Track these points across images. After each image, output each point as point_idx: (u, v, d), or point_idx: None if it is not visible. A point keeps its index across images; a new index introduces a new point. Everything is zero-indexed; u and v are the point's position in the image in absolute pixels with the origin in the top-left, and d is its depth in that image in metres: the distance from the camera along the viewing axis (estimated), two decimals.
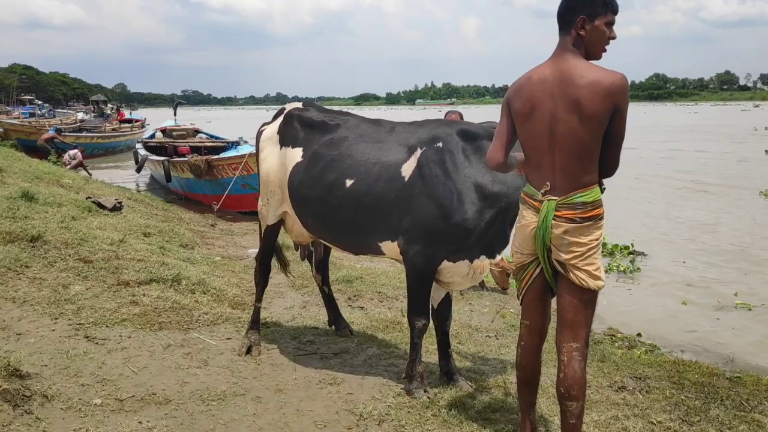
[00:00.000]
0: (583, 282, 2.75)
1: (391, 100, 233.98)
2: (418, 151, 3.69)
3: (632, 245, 9.11)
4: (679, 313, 6.64)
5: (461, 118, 6.26)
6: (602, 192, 2.80)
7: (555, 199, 2.75)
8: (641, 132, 35.05)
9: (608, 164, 2.77)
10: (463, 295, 6.28)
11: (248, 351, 4.33)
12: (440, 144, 3.65)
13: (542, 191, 2.79)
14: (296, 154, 4.12)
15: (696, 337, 5.94)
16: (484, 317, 5.76)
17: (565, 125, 2.69)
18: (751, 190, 14.88)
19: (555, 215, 2.74)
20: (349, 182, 3.80)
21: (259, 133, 4.47)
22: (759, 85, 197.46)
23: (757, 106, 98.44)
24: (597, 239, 2.75)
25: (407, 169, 3.68)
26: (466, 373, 4.15)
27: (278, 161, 4.23)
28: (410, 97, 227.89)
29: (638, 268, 8.26)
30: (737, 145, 28.05)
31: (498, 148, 3.01)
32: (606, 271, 7.90)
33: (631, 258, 8.74)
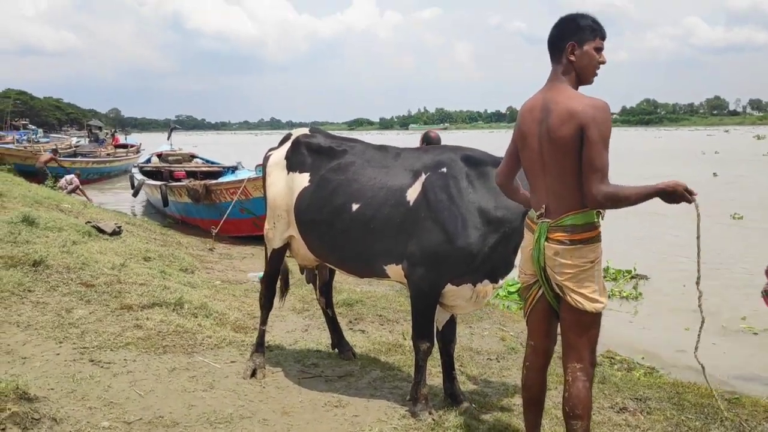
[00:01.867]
0: (579, 304, 2.81)
1: (385, 124, 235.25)
2: (423, 176, 3.78)
3: (634, 269, 9.18)
4: (680, 336, 6.67)
5: (439, 138, 6.37)
6: (600, 216, 2.88)
7: (548, 222, 2.84)
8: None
9: (584, 193, 2.72)
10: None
11: (253, 374, 4.36)
12: (445, 169, 3.74)
13: (538, 213, 2.89)
14: (304, 179, 4.20)
15: (690, 358, 5.97)
16: (485, 340, 5.81)
17: (548, 151, 2.81)
18: (720, 212, 14.93)
19: (547, 237, 2.82)
20: (355, 206, 3.88)
21: (266, 158, 4.55)
22: (748, 110, 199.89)
23: (726, 131, 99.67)
24: (591, 261, 2.79)
25: (412, 194, 3.76)
26: (470, 396, 4.19)
27: (285, 186, 4.31)
28: (403, 122, 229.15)
29: (640, 293, 8.31)
30: (688, 168, 28.25)
31: (499, 170, 3.23)
32: (609, 296, 8.06)
33: (634, 283, 8.80)
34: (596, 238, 2.84)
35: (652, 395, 4.43)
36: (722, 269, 9.62)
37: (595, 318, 2.88)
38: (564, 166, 2.79)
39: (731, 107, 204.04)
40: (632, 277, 9.01)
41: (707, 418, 4.10)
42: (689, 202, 2.73)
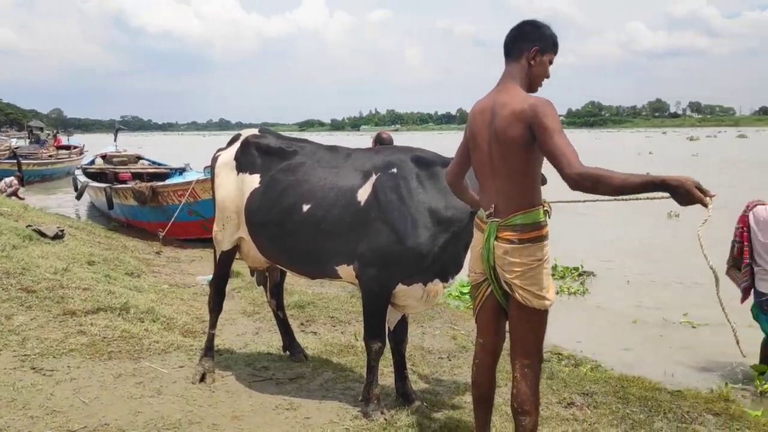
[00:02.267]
0: (527, 301, 2.85)
1: (336, 126, 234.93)
2: (374, 177, 3.79)
3: (582, 266, 9.38)
4: (625, 331, 6.86)
5: (391, 139, 6.40)
6: (547, 215, 2.94)
7: (497, 221, 2.87)
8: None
9: (563, 178, 2.61)
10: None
11: (202, 379, 4.29)
12: (395, 170, 3.76)
13: (487, 213, 2.93)
14: (254, 180, 4.15)
15: (640, 353, 6.15)
16: (436, 339, 5.85)
17: (497, 153, 2.84)
18: (657, 211, 15.43)
19: (496, 236, 2.86)
20: (306, 207, 3.86)
21: (215, 159, 4.49)
22: (688, 112, 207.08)
23: (664, 133, 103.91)
24: (539, 260, 2.84)
25: (363, 195, 3.76)
26: (422, 394, 4.22)
27: (235, 187, 4.26)
28: (355, 123, 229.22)
29: (587, 290, 8.49)
30: (621, 168, 29.08)
31: (449, 169, 3.29)
32: (557, 293, 8.22)
33: (581, 280, 8.99)
34: (544, 237, 2.89)
35: (598, 390, 4.54)
36: (664, 265, 9.95)
37: (542, 315, 2.93)
38: (512, 167, 2.83)
39: (672, 109, 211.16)
40: (579, 275, 9.21)
41: (651, 411, 4.21)
42: (703, 204, 2.42)
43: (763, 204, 5.27)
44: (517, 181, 2.85)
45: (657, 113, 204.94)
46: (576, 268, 9.34)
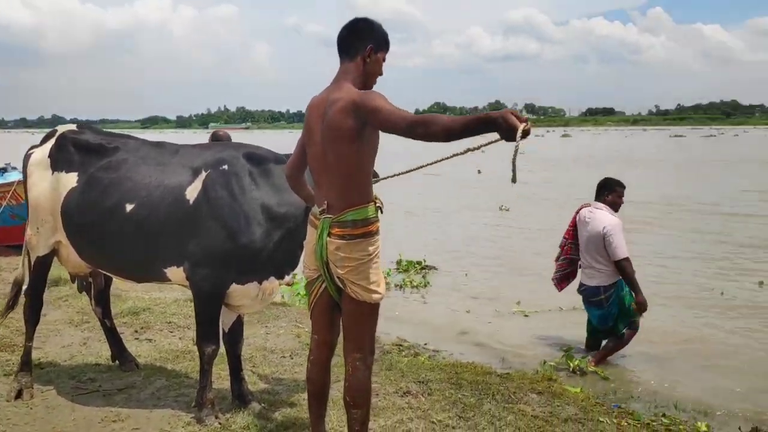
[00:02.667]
0: (358, 295, 2.90)
1: (183, 123, 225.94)
2: (203, 174, 3.67)
3: (424, 260, 9.68)
4: (462, 319, 7.18)
5: (228, 138, 6.27)
6: (379, 211, 3.00)
7: (330, 217, 2.89)
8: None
9: (402, 132, 2.61)
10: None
11: (19, 395, 3.97)
12: (226, 167, 3.67)
13: (320, 209, 2.94)
14: (71, 179, 3.87)
15: (475, 341, 6.46)
16: (280, 338, 5.80)
17: (330, 148, 2.85)
18: (489, 205, 16.53)
19: (329, 232, 2.88)
20: (129, 207, 3.66)
21: (27, 157, 4.14)
22: (524, 113, 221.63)
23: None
24: (369, 254, 2.89)
25: (192, 192, 3.63)
26: (261, 395, 4.16)
27: (50, 187, 3.94)
28: (203, 121, 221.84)
29: (428, 282, 8.78)
30: (456, 168, 31.29)
31: (289, 162, 3.26)
32: (400, 287, 8.45)
33: (424, 273, 9.28)
34: (375, 233, 2.94)
35: (434, 377, 4.71)
36: (498, 257, 10.58)
37: (373, 308, 2.99)
38: (344, 162, 2.85)
39: None
40: (422, 268, 9.51)
41: (481, 394, 4.45)
42: (520, 125, 2.43)
43: (588, 206, 5.73)
44: (349, 177, 2.87)
45: None
46: (419, 262, 9.64)
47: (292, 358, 5.18)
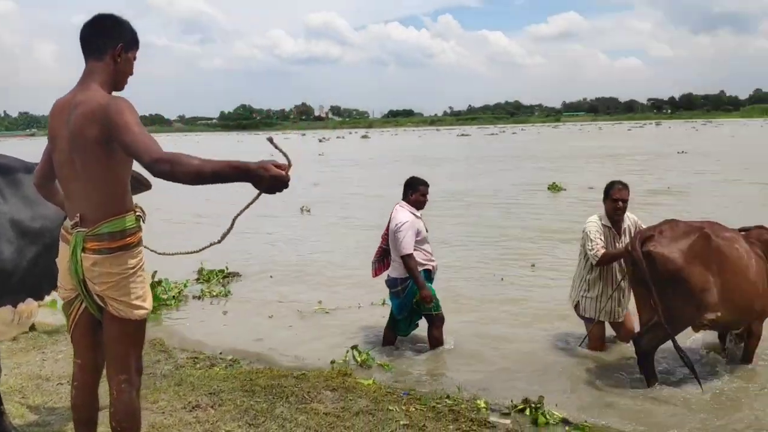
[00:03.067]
0: (120, 312, 2.72)
1: None
2: None
3: (227, 268, 9.40)
4: (263, 326, 7.07)
5: None
6: (140, 220, 2.82)
7: (83, 231, 2.67)
8: None
9: (144, 165, 2.44)
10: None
11: None
12: None
13: (72, 223, 2.71)
14: None
15: (275, 345, 6.39)
16: (58, 364, 5.32)
17: (78, 155, 2.64)
18: (292, 208, 16.68)
19: (83, 247, 2.67)
20: None
21: None
22: (330, 115, 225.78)
23: (303, 134, 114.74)
24: (132, 268, 2.72)
25: None
26: (29, 428, 3.78)
27: None
28: None
29: (230, 291, 8.54)
30: None
31: (37, 170, 2.99)
32: (199, 298, 8.12)
33: (225, 281, 9.00)
34: (137, 244, 2.77)
35: (226, 387, 4.60)
36: (302, 258, 10.62)
37: (139, 325, 2.81)
38: (95, 171, 2.64)
39: (316, 113, 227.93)
40: (224, 276, 9.25)
41: (274, 398, 4.42)
42: (285, 180, 2.39)
43: (400, 203, 5.92)
44: (102, 186, 2.67)
45: (304, 116, 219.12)
46: (221, 271, 9.36)
47: (68, 385, 4.74)
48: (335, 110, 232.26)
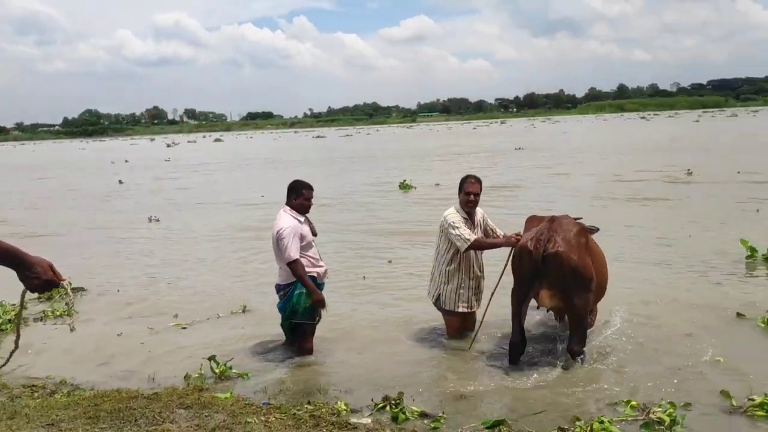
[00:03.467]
0: None
1: None
2: None
3: (70, 284, 8.66)
4: (111, 345, 6.60)
5: None
6: None
7: None
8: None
9: None
10: None
11: None
12: None
13: None
14: None
15: (125, 365, 5.94)
16: None
17: None
18: (139, 217, 16.07)
19: None
20: None
21: None
22: (185, 118, 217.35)
23: (152, 140, 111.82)
24: None
25: None
26: None
27: None
28: None
29: (74, 309, 7.87)
30: (95, 177, 31.63)
31: None
32: (40, 319, 7.43)
33: (68, 299, 8.29)
34: None
35: (67, 416, 4.26)
36: (154, 270, 10.10)
37: None
38: None
39: (170, 116, 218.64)
40: (67, 294, 8.55)
41: (122, 422, 4.15)
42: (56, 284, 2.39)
43: (283, 208, 5.75)
44: None
45: (156, 120, 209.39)
46: (63, 289, 8.64)
47: None
48: (190, 113, 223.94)
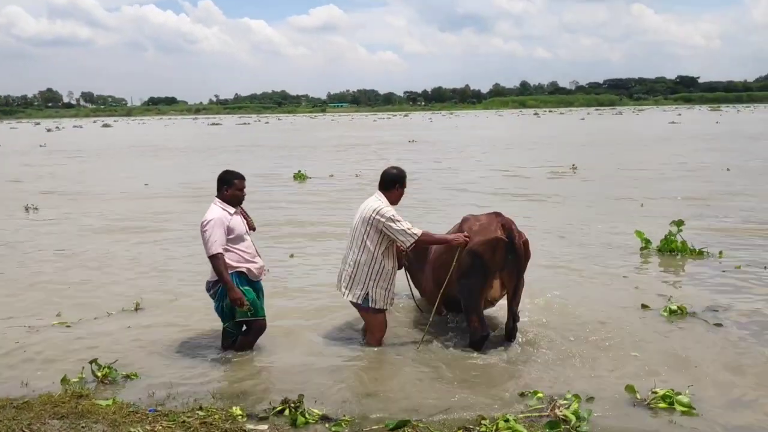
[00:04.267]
0: None
1: None
2: None
3: None
4: None
5: None
6: None
7: None
8: None
9: None
10: None
11: None
12: None
13: None
14: None
15: None
16: None
17: None
18: (15, 205, 15.08)
19: None
20: None
21: None
22: (82, 102, 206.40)
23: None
24: None
25: None
26: None
27: None
28: None
29: None
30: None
31: None
32: None
33: None
34: None
35: None
36: (24, 266, 9.32)
37: None
38: None
39: (66, 99, 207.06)
40: None
41: None
42: None
43: (214, 200, 5.35)
44: None
45: (50, 103, 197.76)
46: None
47: None
48: (87, 97, 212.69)
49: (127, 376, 4.98)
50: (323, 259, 8.92)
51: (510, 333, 5.58)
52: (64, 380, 4.83)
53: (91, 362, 4.98)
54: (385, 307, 5.57)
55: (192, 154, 33.03)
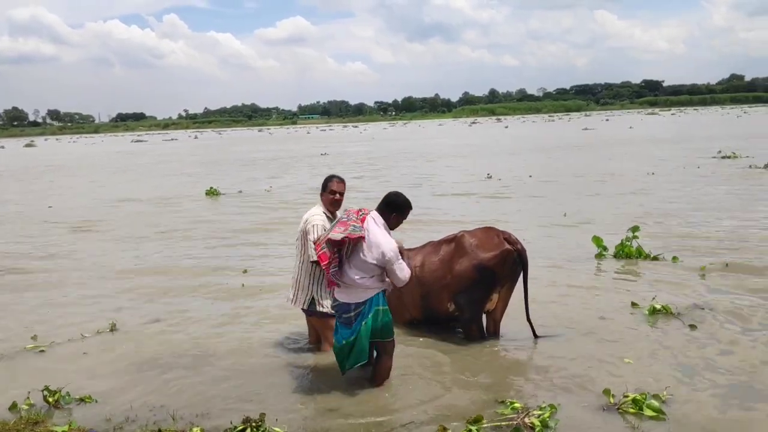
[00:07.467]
0: None
1: None
2: None
3: None
4: None
5: None
6: None
7: None
8: None
9: None
10: None
11: None
12: None
13: None
14: None
15: None
16: None
17: None
18: None
19: None
20: None
21: None
22: (48, 120, 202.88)
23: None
24: None
25: None
26: None
27: None
28: None
29: None
30: None
31: None
32: None
33: None
34: None
35: None
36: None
37: None
38: None
39: (32, 118, 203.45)
40: None
41: None
42: None
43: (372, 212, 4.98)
44: None
45: (16, 122, 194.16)
46: None
47: None
48: (54, 114, 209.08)
49: (82, 400, 4.85)
50: (279, 276, 8.79)
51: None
52: (13, 407, 4.70)
53: (43, 390, 4.85)
54: (332, 312, 5.26)
55: (89, 174, 31.77)
